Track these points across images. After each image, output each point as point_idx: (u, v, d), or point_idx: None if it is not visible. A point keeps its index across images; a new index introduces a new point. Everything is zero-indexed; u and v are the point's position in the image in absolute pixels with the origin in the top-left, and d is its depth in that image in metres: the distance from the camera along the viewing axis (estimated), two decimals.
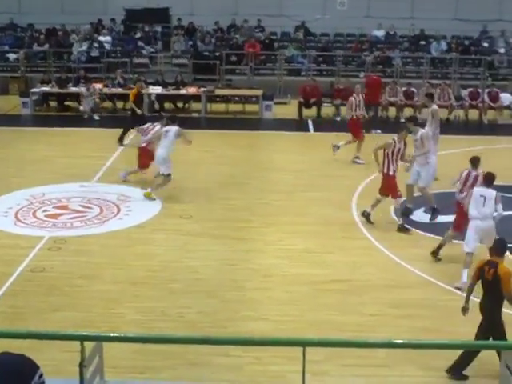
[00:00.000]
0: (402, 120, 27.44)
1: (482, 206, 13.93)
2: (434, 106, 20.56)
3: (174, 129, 18.46)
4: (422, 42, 33.91)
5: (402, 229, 16.65)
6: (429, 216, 17.61)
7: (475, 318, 12.58)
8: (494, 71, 32.14)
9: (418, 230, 16.77)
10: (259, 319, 12.56)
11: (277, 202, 18.42)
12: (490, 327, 10.72)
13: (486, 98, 28.40)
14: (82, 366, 8.09)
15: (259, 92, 28.98)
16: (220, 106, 29.15)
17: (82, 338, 8.12)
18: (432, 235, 16.40)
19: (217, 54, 32.09)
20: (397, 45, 33.74)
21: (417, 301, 13.39)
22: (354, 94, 22.71)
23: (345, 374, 10.98)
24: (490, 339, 10.55)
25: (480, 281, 10.93)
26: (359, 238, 16.22)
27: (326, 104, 28.44)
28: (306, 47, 33.51)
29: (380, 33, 34.68)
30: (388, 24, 34.40)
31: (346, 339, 10.51)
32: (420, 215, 17.75)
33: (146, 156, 19.52)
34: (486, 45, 33.76)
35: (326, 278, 14.20)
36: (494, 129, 26.25)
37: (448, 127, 25.31)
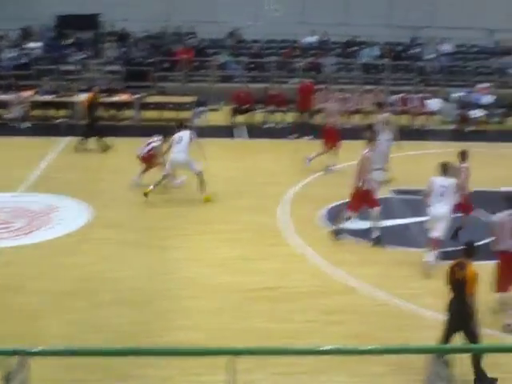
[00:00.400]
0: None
1: (441, 195, 14.92)
2: (385, 114, 20.86)
3: (187, 133, 19.09)
4: (355, 48, 34.21)
5: (336, 233, 16.59)
6: (358, 221, 17.71)
7: (403, 323, 12.83)
8: (424, 77, 32.58)
9: (347, 235, 16.87)
10: (192, 328, 12.51)
11: (210, 210, 18.41)
12: (460, 324, 10.87)
13: (416, 103, 28.78)
14: (6, 381, 7.95)
15: (192, 99, 28.92)
16: (153, 113, 28.99)
17: (6, 353, 7.98)
18: (360, 240, 16.59)
19: (150, 60, 31.92)
20: (329, 51, 33.98)
21: (346, 307, 13.46)
22: (332, 100, 22.80)
23: (276, 382, 10.98)
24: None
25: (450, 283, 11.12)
26: (289, 244, 16.27)
27: (259, 110, 28.48)
28: (239, 54, 33.55)
29: (313, 39, 34.90)
30: (321, 30, 34.61)
31: (276, 347, 10.54)
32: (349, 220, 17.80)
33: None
34: (416, 51, 34.20)
35: (257, 285, 14.21)
36: (424, 134, 26.58)
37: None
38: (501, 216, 13.12)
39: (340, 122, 22.53)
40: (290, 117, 28.23)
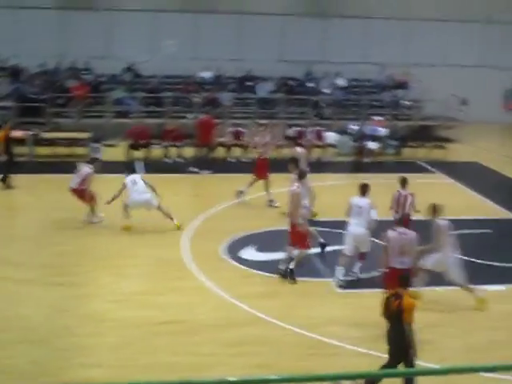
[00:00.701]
0: (231, 160, 27.97)
1: (358, 214, 15.78)
2: (298, 149, 21.12)
3: (138, 176, 19.79)
4: (249, 83, 34.53)
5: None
6: (258, 253, 17.81)
7: (305, 352, 12.91)
8: (318, 111, 33.11)
9: (249, 268, 16.87)
10: (92, 366, 12.31)
11: (106, 245, 18.19)
12: (399, 355, 11.07)
13: (311, 136, 29.18)
14: None
15: (86, 135, 28.59)
16: (47, 150, 28.54)
17: None
18: (262, 272, 16.60)
19: (44, 96, 31.47)
20: (224, 86, 34.20)
21: (250, 338, 13.49)
22: (262, 134, 22.84)
23: None
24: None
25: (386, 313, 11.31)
26: (191, 278, 16.19)
27: (155, 146, 28.35)
28: (134, 89, 33.41)
29: (207, 74, 35.09)
30: (215, 65, 34.85)
31: (182, 380, 10.42)
32: (250, 253, 17.89)
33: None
34: (310, 85, 34.74)
35: (159, 319, 14.10)
36: (320, 166, 26.93)
37: (277, 165, 25.82)
38: (390, 234, 13.78)
39: (269, 154, 22.52)
40: (187, 151, 28.18)
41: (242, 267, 16.91)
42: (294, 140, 22.24)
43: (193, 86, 33.69)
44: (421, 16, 37.43)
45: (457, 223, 20.04)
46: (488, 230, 18.29)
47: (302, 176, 17.49)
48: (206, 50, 35.82)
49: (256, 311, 14.55)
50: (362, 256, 16.31)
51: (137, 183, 19.40)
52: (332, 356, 12.96)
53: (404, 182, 17.25)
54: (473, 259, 17.56)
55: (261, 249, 18.05)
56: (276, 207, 21.37)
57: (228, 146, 28.61)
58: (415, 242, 13.83)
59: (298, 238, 16.15)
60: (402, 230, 13.81)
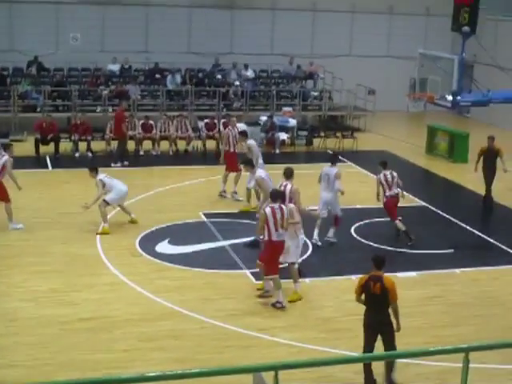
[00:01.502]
0: (141, 153, 27.75)
1: (327, 182, 17.98)
2: (250, 141, 21.01)
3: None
4: (158, 76, 34.30)
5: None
6: (173, 247, 17.76)
7: (223, 344, 12.94)
8: (227, 102, 33.12)
9: (164, 262, 16.79)
10: (8, 366, 12.09)
11: (18, 243, 17.84)
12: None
13: (221, 128, 29.17)
14: None
15: None
16: None
17: None
18: (177, 266, 16.57)
19: None
20: (133, 78, 33.88)
21: (167, 332, 13.46)
22: (230, 127, 22.55)
23: None
24: None
25: (364, 296, 11.44)
26: (105, 273, 16.03)
27: (63, 140, 27.92)
28: (40, 83, 32.80)
29: (115, 67, 34.71)
30: (123, 58, 34.50)
31: (99, 377, 10.31)
32: (164, 246, 17.82)
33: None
34: (219, 77, 34.72)
35: (74, 317, 13.95)
36: None
37: (187, 158, 25.78)
38: (266, 209, 14.53)
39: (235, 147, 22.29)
40: (98, 145, 27.87)
41: (157, 261, 16.84)
42: (245, 134, 21.91)
43: (100, 79, 33.28)
44: (327, 7, 37.77)
45: (366, 212, 20.55)
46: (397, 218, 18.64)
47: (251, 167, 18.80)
48: (113, 43, 35.39)
49: (172, 305, 14.54)
50: (336, 221, 18.27)
51: (112, 178, 19.04)
52: (250, 347, 13.02)
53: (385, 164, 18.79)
54: (383, 246, 17.91)
55: (174, 242, 18.00)
56: (239, 200, 21.38)
57: (138, 139, 28.35)
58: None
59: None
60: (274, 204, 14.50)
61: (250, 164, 19.14)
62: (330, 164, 18.40)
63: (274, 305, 14.50)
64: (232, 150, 22.20)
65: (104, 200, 18.63)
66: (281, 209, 14.43)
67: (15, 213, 19.06)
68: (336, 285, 15.76)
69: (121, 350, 12.79)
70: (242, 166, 19.85)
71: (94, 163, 20.03)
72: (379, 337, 11.41)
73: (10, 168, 18.85)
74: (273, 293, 14.67)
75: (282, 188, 15.83)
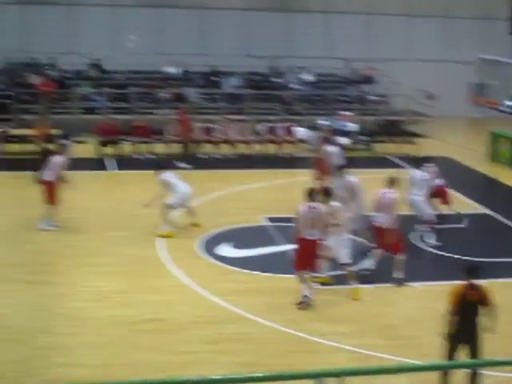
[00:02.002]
0: (202, 156, 27.90)
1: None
2: (328, 148, 21.26)
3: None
4: (215, 78, 34.43)
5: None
6: (236, 250, 17.78)
7: (288, 349, 12.90)
8: (287, 106, 33.10)
9: (227, 265, 16.83)
10: (73, 365, 12.18)
11: (82, 243, 18.01)
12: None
13: (281, 132, 29.20)
14: None
15: (55, 131, 28.35)
16: (15, 147, 28.25)
17: None
18: (240, 269, 16.58)
19: (9, 93, 31.12)
20: (190, 81, 34.05)
21: (231, 335, 13.43)
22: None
23: None
24: None
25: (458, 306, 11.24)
26: (169, 276, 16.10)
27: (123, 142, 28.18)
28: (101, 85, 33.15)
29: (173, 69, 34.93)
30: (180, 61, 34.70)
31: (164, 379, 10.36)
32: (226, 249, 17.86)
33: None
34: (276, 80, 34.73)
35: (138, 318, 14.00)
36: (291, 162, 26.96)
37: (246, 161, 25.78)
38: (301, 208, 14.56)
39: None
40: (157, 147, 28.10)
41: (220, 264, 16.87)
42: (325, 139, 21.90)
43: (158, 82, 33.51)
44: (385, 11, 37.60)
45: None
46: (462, 225, 18.43)
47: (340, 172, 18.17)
48: (170, 45, 35.69)
49: (236, 308, 14.51)
50: (427, 224, 18.54)
51: (177, 179, 18.90)
52: (313, 353, 12.96)
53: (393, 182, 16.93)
54: (446, 254, 17.73)
55: (237, 245, 18.02)
56: None
57: (198, 142, 28.49)
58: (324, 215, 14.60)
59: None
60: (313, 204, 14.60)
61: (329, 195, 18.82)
62: (414, 168, 18.80)
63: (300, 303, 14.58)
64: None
65: (167, 204, 18.61)
66: (316, 208, 14.48)
67: (77, 214, 19.28)
68: (399, 291, 15.63)
69: (184, 352, 12.79)
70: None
71: (159, 163, 20.00)
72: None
73: (63, 168, 19.11)
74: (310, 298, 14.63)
75: (381, 195, 15.83)
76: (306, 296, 14.52)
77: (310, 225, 14.39)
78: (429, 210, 18.52)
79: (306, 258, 14.60)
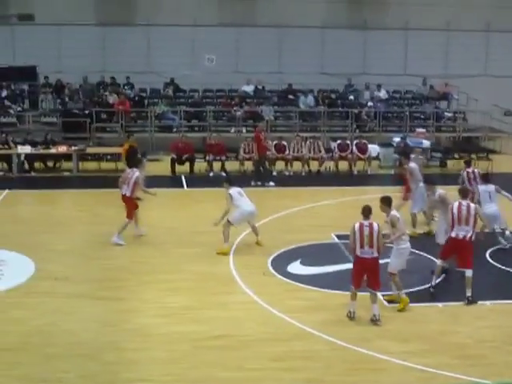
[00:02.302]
0: (274, 173, 28.02)
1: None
2: (411, 164, 21.17)
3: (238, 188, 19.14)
4: (291, 96, 34.53)
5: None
6: (305, 267, 17.76)
7: (353, 367, 12.82)
8: (361, 123, 33.00)
9: (295, 282, 16.82)
10: (140, 380, 12.32)
11: (153, 260, 18.22)
12: None
13: (354, 149, 29.11)
14: None
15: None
16: (92, 164, 28.79)
17: None
18: (309, 286, 16.54)
19: (86, 111, 31.76)
20: (266, 99, 34.22)
21: (298, 353, 13.39)
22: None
23: None
24: None
25: None
26: (238, 292, 16.15)
27: (198, 160, 28.47)
28: (177, 103, 33.57)
29: (249, 88, 35.18)
30: (256, 79, 34.91)
31: None
32: (296, 266, 17.85)
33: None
34: (351, 98, 34.67)
35: (206, 334, 14.06)
36: (364, 179, 26.87)
37: (319, 179, 25.78)
38: (356, 225, 14.57)
39: None
40: (232, 165, 28.34)
41: (288, 281, 16.85)
42: (405, 155, 22.05)
43: (235, 100, 33.75)
44: (460, 27, 37.19)
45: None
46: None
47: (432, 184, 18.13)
48: (246, 64, 35.96)
49: (303, 325, 14.48)
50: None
51: (243, 194, 19.01)
52: (380, 371, 12.83)
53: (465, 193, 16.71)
54: None
55: (306, 262, 18.00)
56: None
57: (271, 160, 28.60)
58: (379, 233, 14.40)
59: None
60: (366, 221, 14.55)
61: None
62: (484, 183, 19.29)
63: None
64: None
65: (228, 220, 18.69)
66: (370, 226, 14.37)
67: (150, 230, 19.52)
68: (470, 310, 15.38)
69: (251, 368, 12.80)
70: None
71: (228, 178, 20.11)
72: None
73: (141, 184, 19.68)
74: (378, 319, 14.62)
75: (458, 207, 15.73)
76: (375, 315, 14.54)
77: (364, 243, 14.35)
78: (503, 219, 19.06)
79: (361, 275, 14.62)
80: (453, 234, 15.70)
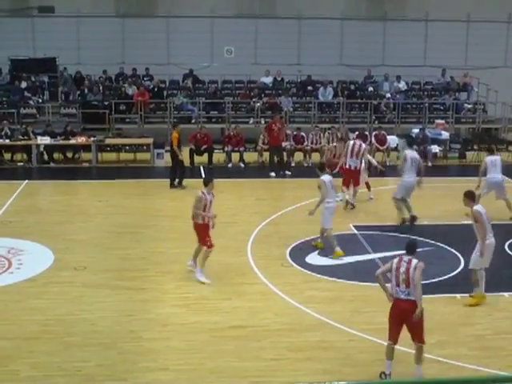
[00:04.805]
0: (293, 164, 27.99)
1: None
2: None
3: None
4: (310, 88, 34.47)
5: None
6: (323, 258, 17.76)
7: (371, 358, 12.80)
8: (379, 115, 32.90)
9: (313, 273, 16.82)
10: (158, 370, 12.41)
11: (171, 250, 18.28)
12: None
13: (373, 140, 29.04)
14: None
15: (150, 140, 28.93)
16: (111, 155, 28.89)
17: None
18: (326, 277, 16.55)
19: (106, 103, 31.85)
20: (285, 90, 34.19)
21: (315, 343, 13.43)
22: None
23: None
24: None
25: None
26: (256, 283, 16.18)
27: (217, 151, 28.49)
28: (195, 95, 33.60)
29: (268, 79, 35.12)
30: (275, 70, 34.87)
31: None
32: (313, 257, 17.87)
33: None
34: (371, 89, 34.56)
35: (224, 324, 14.13)
36: (383, 170, 26.72)
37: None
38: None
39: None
40: (250, 156, 28.37)
41: (307, 272, 16.88)
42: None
43: (253, 91, 33.72)
44: (481, 17, 36.96)
45: None
46: None
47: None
48: (265, 55, 35.89)
49: (321, 316, 14.51)
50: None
51: (331, 186, 18.13)
52: (399, 362, 12.76)
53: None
54: None
55: (324, 253, 18.00)
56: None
57: (290, 151, 28.58)
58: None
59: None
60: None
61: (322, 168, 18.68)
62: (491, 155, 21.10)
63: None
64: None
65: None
66: (408, 262, 12.18)
67: (170, 221, 19.60)
68: (488, 301, 15.33)
69: (269, 358, 12.85)
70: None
71: (321, 164, 19.56)
72: None
73: (197, 205, 16.46)
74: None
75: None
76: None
77: (397, 280, 12.21)
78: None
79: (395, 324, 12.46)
80: None
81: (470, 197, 15.09)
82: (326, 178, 17.99)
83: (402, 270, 12.08)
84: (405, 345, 12.35)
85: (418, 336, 12.13)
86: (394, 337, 12.22)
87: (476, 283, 15.11)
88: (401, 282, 12.07)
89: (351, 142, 22.30)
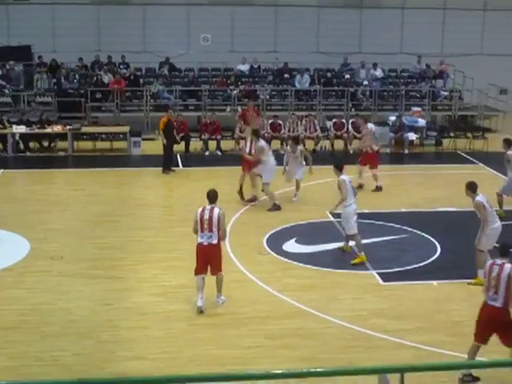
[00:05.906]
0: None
1: None
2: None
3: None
4: (286, 75, 34.46)
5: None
6: (300, 246, 17.79)
7: (348, 344, 12.89)
8: (356, 102, 32.96)
9: (290, 261, 16.84)
10: (136, 358, 12.43)
11: (148, 239, 18.25)
12: None
13: (350, 128, 29.09)
14: None
15: (126, 129, 28.75)
16: (87, 144, 28.73)
17: None
18: (303, 265, 16.59)
19: (81, 91, 31.67)
20: (262, 78, 34.16)
21: (292, 330, 13.49)
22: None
23: None
24: None
25: None
26: (233, 271, 16.14)
27: (193, 139, 28.42)
28: (172, 83, 33.49)
29: (245, 67, 35.08)
30: (252, 58, 34.83)
31: (224, 373, 10.46)
32: (290, 245, 17.88)
33: None
34: (347, 77, 34.59)
35: (202, 312, 14.13)
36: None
37: (315, 157, 25.70)
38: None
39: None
40: (227, 144, 28.32)
41: (284, 259, 16.92)
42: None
43: (230, 79, 33.65)
44: (457, 5, 37.08)
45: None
46: None
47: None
48: (242, 43, 35.82)
49: (298, 303, 14.56)
50: None
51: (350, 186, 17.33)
52: (375, 348, 12.91)
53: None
54: None
55: (301, 241, 18.04)
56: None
57: (267, 139, 28.53)
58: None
59: None
60: None
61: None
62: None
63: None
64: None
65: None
66: (501, 266, 11.66)
67: (146, 209, 19.56)
68: (464, 288, 15.44)
69: (247, 346, 12.90)
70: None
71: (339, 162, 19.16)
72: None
73: (222, 222, 14.60)
74: None
75: None
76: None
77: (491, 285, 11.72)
78: None
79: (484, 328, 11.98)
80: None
81: (472, 188, 15.17)
82: (346, 177, 17.28)
83: (493, 274, 11.68)
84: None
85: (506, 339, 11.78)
86: (481, 339, 11.88)
87: (480, 265, 14.97)
88: (491, 288, 11.70)
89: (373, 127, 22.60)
